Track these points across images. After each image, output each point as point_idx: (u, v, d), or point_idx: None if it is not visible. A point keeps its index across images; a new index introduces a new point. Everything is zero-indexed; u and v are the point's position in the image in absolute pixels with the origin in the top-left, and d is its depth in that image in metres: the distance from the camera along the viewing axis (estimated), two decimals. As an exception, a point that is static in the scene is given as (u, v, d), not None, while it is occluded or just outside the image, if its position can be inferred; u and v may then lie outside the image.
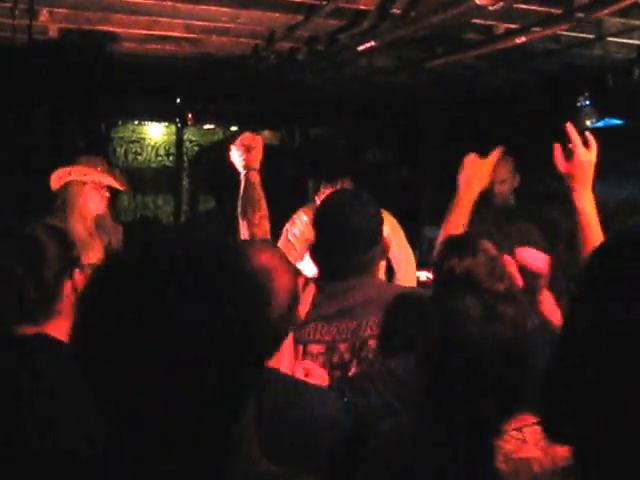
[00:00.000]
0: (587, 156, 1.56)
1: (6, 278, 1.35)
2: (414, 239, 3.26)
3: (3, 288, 1.35)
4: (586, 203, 1.54)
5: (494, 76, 3.75)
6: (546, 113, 3.82)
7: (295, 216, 3.07)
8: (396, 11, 2.56)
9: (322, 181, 3.11)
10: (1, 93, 3.97)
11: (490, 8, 2.31)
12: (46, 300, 1.36)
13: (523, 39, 2.69)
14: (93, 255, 2.85)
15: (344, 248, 1.64)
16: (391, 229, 2.73)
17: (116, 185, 2.89)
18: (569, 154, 1.57)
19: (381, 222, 1.71)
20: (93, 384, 0.67)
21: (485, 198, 3.14)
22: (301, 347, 1.56)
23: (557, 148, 1.59)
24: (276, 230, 3.03)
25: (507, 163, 3.27)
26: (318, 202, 3.00)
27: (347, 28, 2.84)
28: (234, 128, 5.12)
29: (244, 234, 1.93)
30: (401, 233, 2.93)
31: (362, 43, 2.93)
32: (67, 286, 1.40)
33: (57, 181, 2.81)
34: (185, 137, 4.99)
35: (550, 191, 3.44)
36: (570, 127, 1.59)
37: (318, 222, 1.74)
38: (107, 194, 2.85)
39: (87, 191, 2.77)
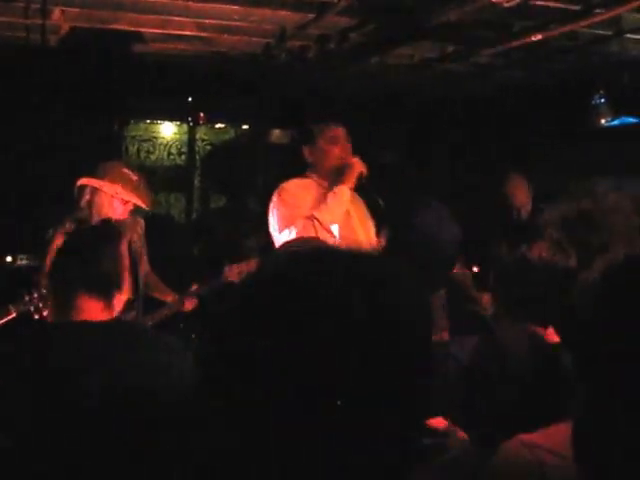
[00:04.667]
0: None
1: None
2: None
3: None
4: None
5: (508, 74, 3.71)
6: (561, 111, 3.77)
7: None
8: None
9: None
10: (15, 92, 3.99)
11: (505, 5, 2.28)
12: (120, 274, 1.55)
13: (539, 37, 2.66)
14: None
15: None
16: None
17: (143, 206, 2.92)
18: None
19: None
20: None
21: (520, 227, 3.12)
22: None
23: None
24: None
25: (525, 186, 3.24)
26: None
27: (358, 26, 2.82)
28: (245, 127, 5.12)
29: None
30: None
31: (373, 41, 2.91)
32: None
33: (84, 182, 2.82)
34: (197, 136, 4.99)
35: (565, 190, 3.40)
36: None
37: None
38: (132, 206, 2.89)
39: (114, 202, 2.82)
